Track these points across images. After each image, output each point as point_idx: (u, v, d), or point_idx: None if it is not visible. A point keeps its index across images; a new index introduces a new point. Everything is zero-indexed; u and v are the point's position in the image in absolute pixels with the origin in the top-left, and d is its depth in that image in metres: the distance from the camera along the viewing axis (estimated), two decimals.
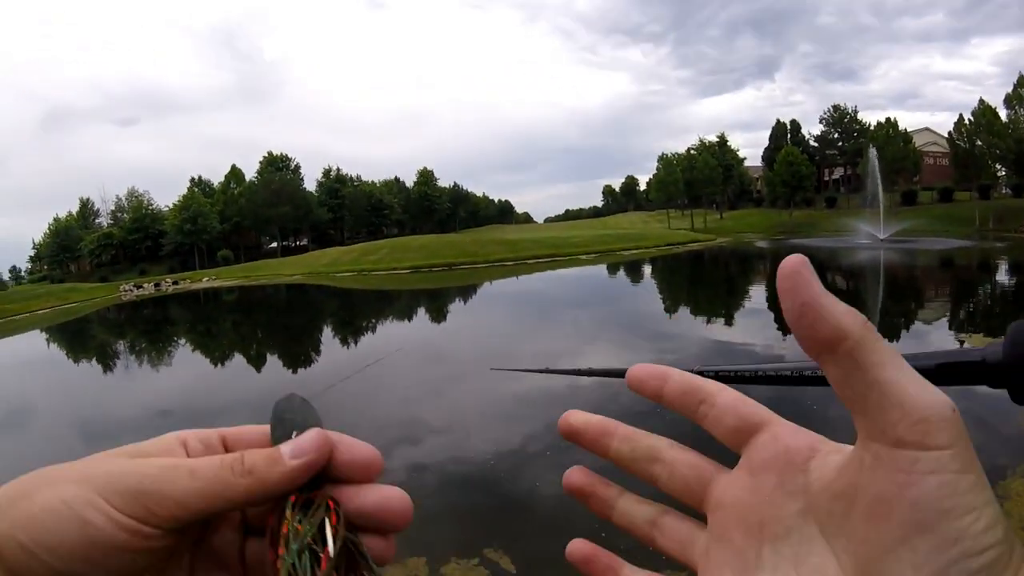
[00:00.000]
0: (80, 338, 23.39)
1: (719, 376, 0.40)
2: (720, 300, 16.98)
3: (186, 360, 15.69)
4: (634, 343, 11.12)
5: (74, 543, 0.32)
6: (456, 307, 21.51)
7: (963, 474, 0.26)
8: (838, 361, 0.29)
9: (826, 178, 76.28)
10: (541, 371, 0.57)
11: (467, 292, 25.15)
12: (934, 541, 0.26)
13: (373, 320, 19.81)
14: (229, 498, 0.33)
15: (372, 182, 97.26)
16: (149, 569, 0.34)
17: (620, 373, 0.44)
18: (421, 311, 20.94)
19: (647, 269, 29.15)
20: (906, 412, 0.27)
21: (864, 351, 0.28)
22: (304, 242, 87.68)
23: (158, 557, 0.34)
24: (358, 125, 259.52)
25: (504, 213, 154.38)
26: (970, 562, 0.26)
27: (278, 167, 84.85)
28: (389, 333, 16.49)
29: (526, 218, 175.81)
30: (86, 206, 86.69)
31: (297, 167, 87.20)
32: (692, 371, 0.40)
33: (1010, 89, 49.24)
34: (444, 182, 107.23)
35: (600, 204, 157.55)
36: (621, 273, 27.83)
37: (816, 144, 72.59)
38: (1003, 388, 0.30)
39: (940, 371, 0.32)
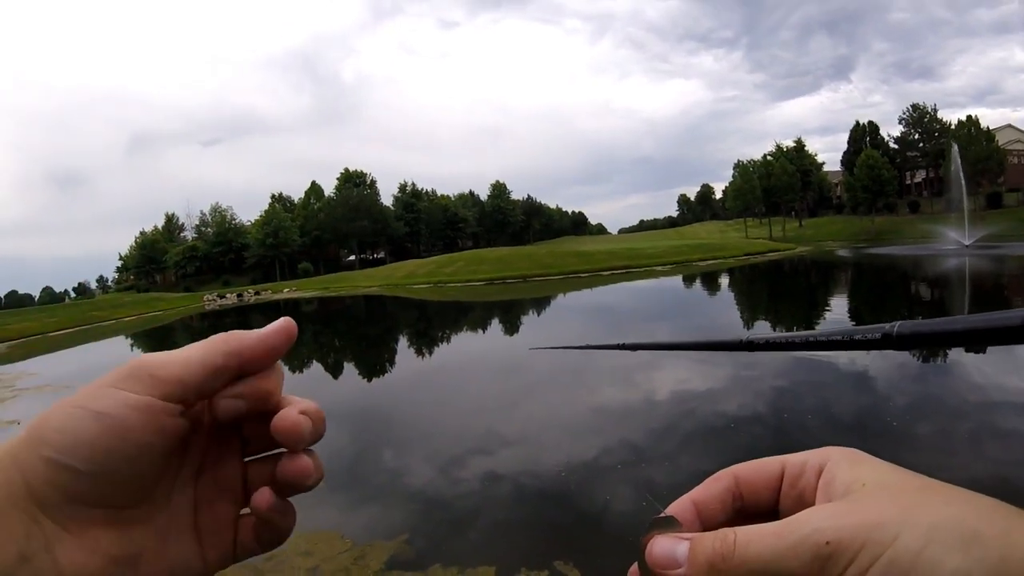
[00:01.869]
0: (168, 345, 24.38)
1: (770, 344, 0.40)
2: (801, 314, 16.99)
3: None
4: (714, 358, 11.37)
5: (92, 436, 0.33)
6: (534, 319, 21.92)
7: None
8: None
9: (908, 181, 74.15)
10: (581, 348, 0.57)
11: (542, 304, 25.58)
12: None
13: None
14: None
15: (447, 196, 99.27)
16: (164, 457, 0.35)
17: (659, 346, 0.44)
18: (495, 321, 21.44)
19: (724, 281, 29.07)
20: None
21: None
22: (382, 255, 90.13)
23: (170, 441, 0.36)
24: (432, 141, 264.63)
25: (577, 225, 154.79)
26: None
27: (355, 183, 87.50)
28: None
29: (600, 229, 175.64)
30: (171, 221, 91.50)
31: (373, 182, 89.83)
32: (742, 341, 0.40)
33: None
34: (517, 195, 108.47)
35: (675, 214, 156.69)
36: (697, 285, 27.84)
37: (896, 146, 70.67)
38: None
39: (983, 334, 0.32)
